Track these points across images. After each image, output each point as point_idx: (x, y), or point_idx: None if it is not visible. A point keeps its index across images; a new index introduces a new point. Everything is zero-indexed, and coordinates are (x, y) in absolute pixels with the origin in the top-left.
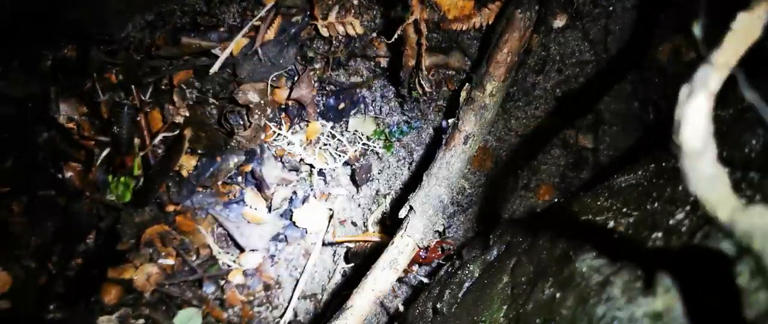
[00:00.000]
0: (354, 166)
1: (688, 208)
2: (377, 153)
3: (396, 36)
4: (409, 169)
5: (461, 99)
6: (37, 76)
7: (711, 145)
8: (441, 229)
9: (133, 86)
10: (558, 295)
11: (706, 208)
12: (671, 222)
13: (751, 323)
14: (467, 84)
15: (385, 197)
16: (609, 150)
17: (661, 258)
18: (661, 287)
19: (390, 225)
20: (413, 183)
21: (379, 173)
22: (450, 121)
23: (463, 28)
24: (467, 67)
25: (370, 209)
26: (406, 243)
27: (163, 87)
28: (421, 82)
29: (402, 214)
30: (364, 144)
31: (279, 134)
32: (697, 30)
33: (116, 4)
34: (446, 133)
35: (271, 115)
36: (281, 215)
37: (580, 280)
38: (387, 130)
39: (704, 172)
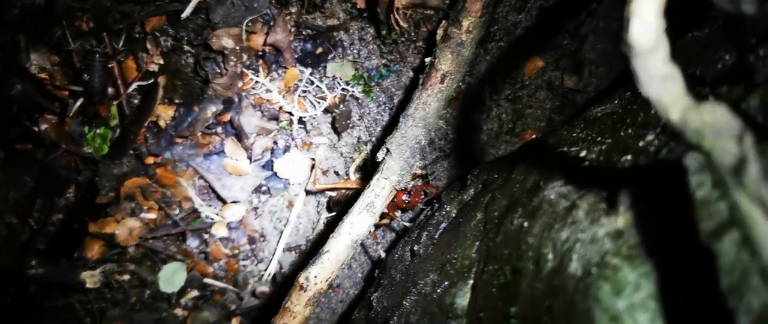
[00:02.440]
0: (334, 113)
1: (658, 129)
2: (357, 98)
3: None
4: (389, 114)
5: (438, 37)
6: (4, 24)
7: (663, 42)
8: (419, 171)
9: (103, 33)
10: (526, 224)
11: (658, 108)
12: (641, 144)
13: (708, 234)
14: (444, 21)
15: (366, 144)
16: (595, 91)
17: (626, 179)
18: (623, 206)
19: (370, 171)
20: (389, 125)
21: (359, 119)
22: (427, 59)
23: None
24: (446, 5)
25: (351, 157)
26: (382, 186)
27: (135, 35)
28: (398, 19)
29: (379, 156)
30: (343, 89)
31: (256, 81)
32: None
33: None
34: (423, 73)
35: (247, 62)
36: (263, 166)
37: (548, 208)
38: (366, 75)
39: (656, 71)
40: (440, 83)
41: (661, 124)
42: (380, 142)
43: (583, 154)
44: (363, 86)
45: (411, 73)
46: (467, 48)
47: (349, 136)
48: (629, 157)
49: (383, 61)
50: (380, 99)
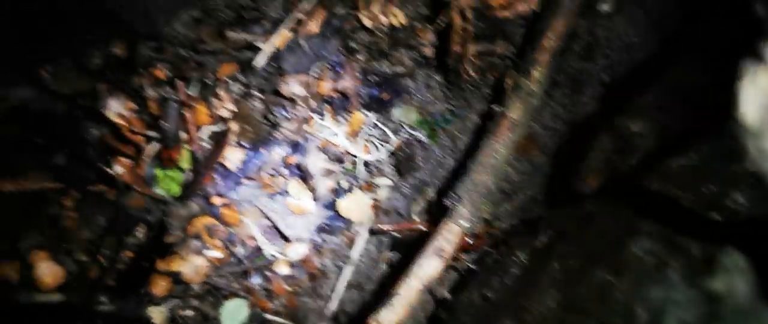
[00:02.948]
0: (398, 156)
1: (748, 187)
2: (421, 142)
3: (440, 23)
4: (453, 157)
5: (506, 86)
6: (87, 73)
7: None
8: (488, 216)
9: (179, 81)
10: (612, 279)
11: None
12: (729, 203)
13: None
14: (513, 71)
15: (429, 186)
16: (658, 135)
17: (721, 238)
18: (721, 268)
19: (436, 213)
20: (458, 171)
21: (423, 162)
22: (496, 108)
23: (507, 16)
24: (511, 53)
25: (414, 198)
26: (452, 230)
27: (208, 81)
28: (468, 69)
29: (448, 202)
30: (408, 133)
31: (323, 125)
32: (758, 8)
33: (163, 3)
34: (492, 121)
35: (314, 107)
36: (326, 206)
37: (635, 264)
38: (431, 119)
39: (766, 148)
40: (510, 132)
41: (750, 181)
42: (445, 184)
43: (665, 208)
44: (427, 130)
45: (475, 118)
46: (536, 97)
47: (412, 178)
48: (718, 215)
49: (448, 106)
50: (444, 143)
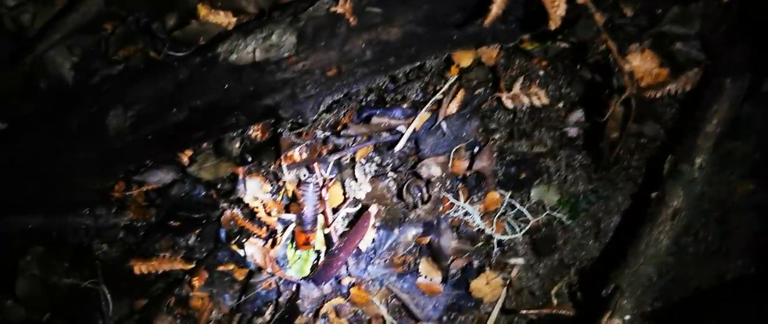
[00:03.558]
0: (535, 236)
1: None
2: (561, 222)
3: (606, 115)
4: (596, 239)
5: (665, 171)
6: (226, 157)
7: None
8: (648, 309)
9: (316, 163)
10: None
11: None
12: None
13: None
14: (670, 155)
15: (569, 268)
16: None
17: None
18: None
19: (582, 299)
20: (603, 254)
21: (563, 244)
22: (653, 194)
23: (657, 96)
24: (660, 135)
25: (552, 279)
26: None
27: (344, 162)
28: (619, 153)
29: (605, 292)
30: (547, 214)
31: (457, 205)
32: None
33: (310, 89)
34: (650, 207)
35: (448, 187)
36: (456, 285)
37: None
38: (572, 200)
39: None
40: (671, 220)
41: None
42: (587, 266)
43: None
44: (568, 211)
45: (621, 200)
46: (699, 185)
47: (550, 259)
48: None
49: (591, 187)
50: (586, 224)
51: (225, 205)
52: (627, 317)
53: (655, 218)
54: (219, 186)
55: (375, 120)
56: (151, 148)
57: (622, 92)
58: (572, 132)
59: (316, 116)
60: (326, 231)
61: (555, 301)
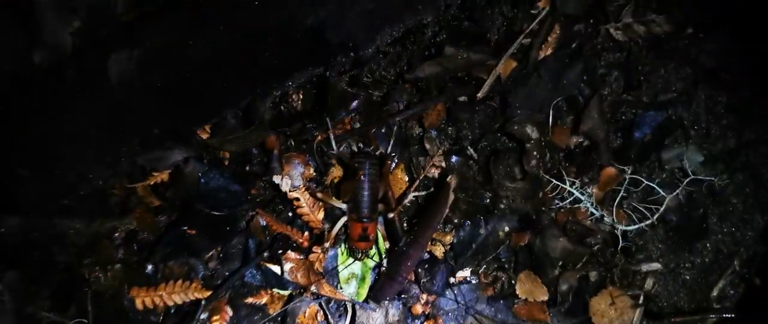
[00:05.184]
0: (673, 221)
1: None
2: (711, 193)
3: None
4: (763, 209)
5: None
6: (257, 127)
7: None
8: None
9: (372, 131)
10: None
11: None
12: None
13: None
14: None
15: (731, 258)
16: None
17: None
18: None
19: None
20: None
21: (717, 222)
22: None
23: None
24: None
25: (706, 281)
26: None
27: (408, 134)
28: None
29: None
30: (687, 185)
31: (561, 189)
32: None
33: (364, 3)
34: None
35: (548, 165)
36: (569, 311)
37: None
38: (724, 158)
39: None
40: None
41: None
42: (759, 252)
43: None
44: (720, 174)
45: None
46: None
47: (699, 252)
48: None
49: (748, 136)
50: (747, 190)
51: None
52: None
53: None
54: (247, 167)
55: (449, 50)
56: (163, 101)
57: None
58: (710, 62)
59: (373, 47)
60: (389, 216)
61: (717, 308)
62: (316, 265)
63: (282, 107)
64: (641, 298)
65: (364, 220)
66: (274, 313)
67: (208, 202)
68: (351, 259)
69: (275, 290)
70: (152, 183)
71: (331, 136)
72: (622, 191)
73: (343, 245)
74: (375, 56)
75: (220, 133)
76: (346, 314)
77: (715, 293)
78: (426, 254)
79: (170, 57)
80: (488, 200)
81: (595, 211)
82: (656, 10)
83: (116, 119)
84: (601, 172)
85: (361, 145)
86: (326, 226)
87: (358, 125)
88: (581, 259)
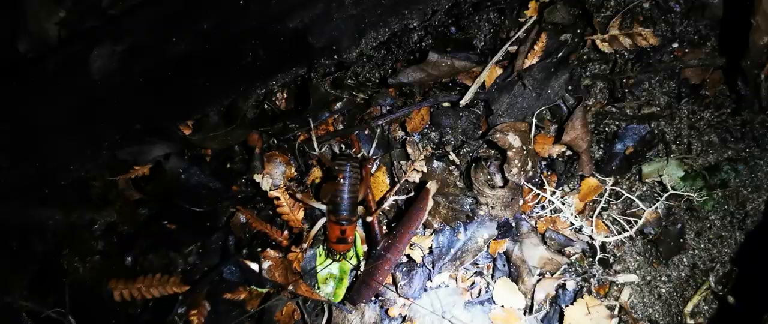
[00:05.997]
0: (651, 235)
1: None
2: (690, 209)
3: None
4: (740, 227)
5: None
6: (240, 124)
7: None
8: None
9: (354, 134)
10: None
11: None
12: None
13: None
14: None
15: (707, 274)
16: None
17: None
18: None
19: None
20: (755, 249)
21: (695, 239)
22: None
23: None
24: None
25: (682, 295)
26: None
27: (390, 138)
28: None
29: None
30: (667, 199)
31: (542, 198)
32: None
33: (350, 7)
34: None
35: (530, 173)
36: (545, 319)
37: None
38: (703, 174)
39: None
40: None
41: None
42: (733, 271)
43: None
44: (699, 191)
45: None
46: None
47: (676, 266)
48: None
49: (729, 154)
50: (726, 207)
51: (237, 189)
52: None
53: None
54: (229, 164)
55: (433, 56)
56: (145, 96)
57: None
58: (695, 77)
59: (357, 51)
60: (368, 219)
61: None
62: (295, 264)
63: (266, 106)
64: (617, 308)
65: (343, 222)
66: (252, 311)
67: (188, 198)
68: (329, 261)
69: (253, 287)
70: (133, 176)
71: (313, 137)
72: (602, 202)
73: (321, 246)
74: (359, 59)
75: (202, 129)
76: (323, 314)
77: (689, 308)
78: (404, 258)
79: (153, 52)
80: (468, 206)
81: (574, 221)
82: (643, 23)
83: (97, 112)
84: (582, 183)
85: (343, 146)
86: (306, 225)
87: (340, 127)
88: (559, 267)
